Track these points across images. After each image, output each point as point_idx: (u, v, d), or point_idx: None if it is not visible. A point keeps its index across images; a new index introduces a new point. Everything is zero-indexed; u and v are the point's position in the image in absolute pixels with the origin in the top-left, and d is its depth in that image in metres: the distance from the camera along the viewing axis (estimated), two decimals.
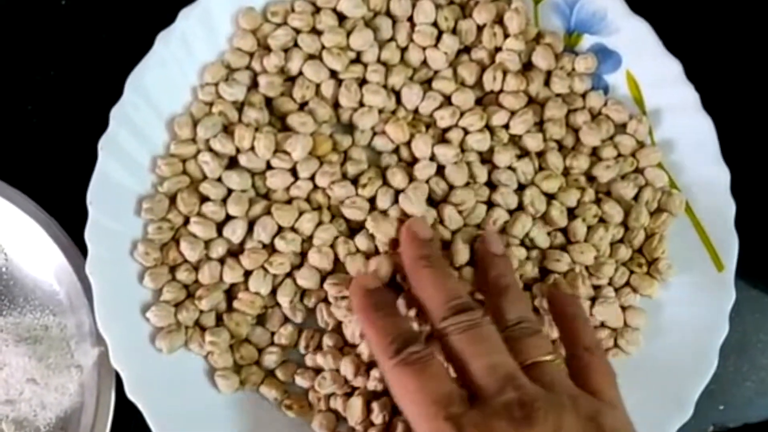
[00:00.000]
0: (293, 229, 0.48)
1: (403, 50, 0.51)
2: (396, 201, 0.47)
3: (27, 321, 0.50)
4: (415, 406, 0.39)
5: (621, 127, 0.51)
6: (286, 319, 0.48)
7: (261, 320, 0.48)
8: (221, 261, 0.47)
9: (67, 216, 0.49)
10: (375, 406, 0.45)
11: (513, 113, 0.49)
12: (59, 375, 0.49)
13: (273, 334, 0.48)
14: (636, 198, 0.50)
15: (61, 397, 0.48)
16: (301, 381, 0.47)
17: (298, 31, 0.50)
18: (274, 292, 0.48)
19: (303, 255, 0.48)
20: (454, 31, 0.51)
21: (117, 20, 0.55)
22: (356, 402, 0.46)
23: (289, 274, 0.48)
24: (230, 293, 0.48)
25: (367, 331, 0.43)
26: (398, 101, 0.50)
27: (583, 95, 0.51)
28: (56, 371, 0.49)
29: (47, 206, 0.49)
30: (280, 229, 0.48)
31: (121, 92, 0.48)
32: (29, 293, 0.50)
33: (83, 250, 0.47)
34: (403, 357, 0.40)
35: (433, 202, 0.49)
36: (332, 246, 0.47)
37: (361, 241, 0.47)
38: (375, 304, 0.43)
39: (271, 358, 0.47)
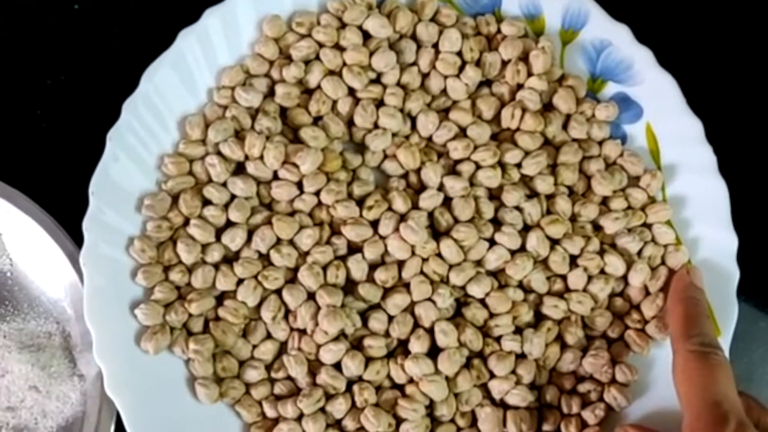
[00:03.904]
0: (291, 243, 0.47)
1: (425, 76, 0.50)
2: (398, 228, 0.47)
3: (30, 328, 0.49)
4: (693, 393, 0.42)
5: (634, 180, 0.50)
6: (268, 335, 0.47)
7: (245, 333, 0.47)
8: (216, 267, 0.47)
9: (74, 223, 0.48)
10: None
11: (527, 153, 0.49)
12: (61, 383, 0.48)
13: (254, 347, 0.47)
14: (639, 253, 0.49)
15: (62, 406, 0.48)
16: (268, 409, 0.46)
17: (321, 45, 0.49)
18: (260, 304, 0.47)
19: (296, 271, 0.47)
20: (477, 63, 0.50)
21: (129, 26, 0.55)
22: None
23: (277, 290, 0.47)
24: (221, 301, 0.47)
25: (676, 314, 0.46)
26: (413, 127, 0.50)
27: (600, 143, 0.51)
28: (58, 380, 0.48)
29: (55, 213, 0.49)
30: (278, 241, 0.47)
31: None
32: (34, 300, 0.50)
33: None
34: (704, 349, 0.43)
35: (435, 232, 0.48)
36: (324, 268, 0.47)
37: (353, 263, 0.47)
38: (695, 298, 0.46)
39: (252, 373, 0.47)
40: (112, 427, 0.46)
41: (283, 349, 0.47)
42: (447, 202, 0.48)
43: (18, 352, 0.48)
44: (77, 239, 0.48)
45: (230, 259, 0.48)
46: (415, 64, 0.50)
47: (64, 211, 0.49)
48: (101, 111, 0.48)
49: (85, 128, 0.53)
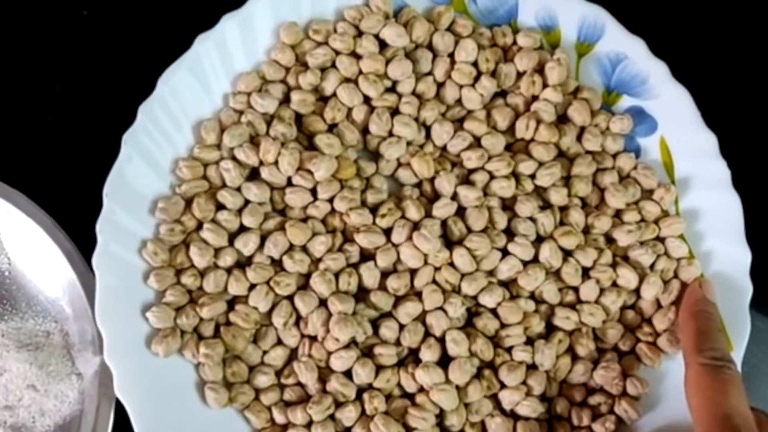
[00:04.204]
0: (304, 249, 0.47)
1: (440, 86, 0.50)
2: (411, 236, 0.47)
3: (29, 327, 0.49)
4: (705, 407, 0.42)
5: (647, 193, 0.50)
6: (279, 341, 0.47)
7: (256, 338, 0.47)
8: (228, 271, 0.47)
9: (72, 222, 0.48)
10: None
11: (541, 164, 0.49)
12: (59, 382, 0.48)
13: (265, 353, 0.47)
14: (652, 266, 0.49)
15: (60, 405, 0.48)
16: (277, 415, 0.46)
17: (337, 53, 0.50)
18: (272, 310, 0.47)
19: (308, 277, 0.47)
20: (493, 74, 0.50)
21: (140, 32, 0.55)
22: None
23: (289, 296, 0.47)
24: (232, 305, 0.47)
25: (688, 328, 0.46)
26: (427, 136, 0.50)
27: (614, 155, 0.51)
28: (56, 378, 0.48)
29: (58, 216, 0.49)
30: (291, 247, 0.47)
31: (134, 111, 0.48)
32: (32, 299, 0.50)
33: (89, 259, 0.46)
34: (715, 363, 0.43)
35: (448, 241, 0.48)
36: (336, 275, 0.47)
37: (365, 271, 0.47)
38: (708, 312, 0.46)
39: (262, 379, 0.47)
40: (110, 426, 0.46)
41: (293, 355, 0.47)
42: (460, 211, 0.48)
43: (16, 351, 0.48)
44: (76, 239, 0.48)
45: (242, 264, 0.48)
46: (430, 73, 0.50)
47: (63, 211, 0.49)
48: (105, 115, 0.49)
49: (88, 132, 0.53)
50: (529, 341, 0.47)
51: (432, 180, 0.49)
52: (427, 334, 0.47)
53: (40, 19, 0.56)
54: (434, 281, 0.47)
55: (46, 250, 0.48)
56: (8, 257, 0.50)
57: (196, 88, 0.49)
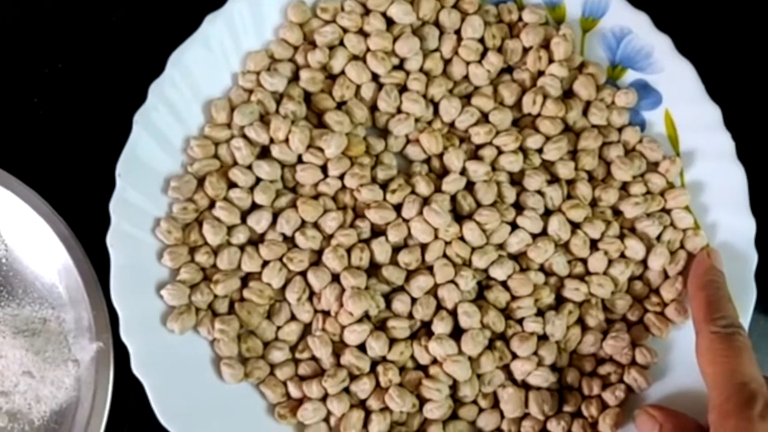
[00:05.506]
0: (316, 226, 0.48)
1: (447, 62, 0.51)
2: (421, 211, 0.47)
3: (25, 313, 0.49)
4: (720, 374, 0.43)
5: (653, 165, 0.51)
6: (293, 316, 0.48)
7: (270, 314, 0.48)
8: (241, 248, 0.47)
9: (70, 210, 0.49)
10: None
11: (548, 138, 0.50)
12: (55, 369, 0.48)
13: (279, 328, 0.48)
14: (659, 238, 0.50)
15: (56, 391, 0.48)
16: (293, 389, 0.47)
17: (345, 30, 0.50)
18: (285, 286, 0.48)
19: (320, 253, 0.48)
20: (499, 50, 0.51)
21: (147, 13, 0.55)
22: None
23: (302, 272, 0.48)
24: (246, 282, 0.48)
25: (698, 298, 0.46)
26: (435, 112, 0.50)
27: (620, 129, 0.51)
28: (53, 365, 0.48)
29: (52, 200, 0.49)
30: (303, 224, 0.48)
31: (130, 94, 0.48)
32: (28, 285, 0.50)
33: (86, 245, 0.47)
34: (727, 330, 0.44)
35: (458, 216, 0.49)
36: (348, 251, 0.47)
37: (377, 246, 0.47)
38: (717, 282, 0.47)
39: (276, 354, 0.47)
40: (106, 413, 0.47)
41: (307, 330, 0.48)
42: (469, 186, 0.49)
43: (12, 337, 0.48)
44: (73, 225, 0.48)
45: (255, 241, 0.48)
46: (437, 50, 0.51)
47: (62, 198, 0.49)
48: (98, 101, 0.49)
49: (82, 116, 0.53)
50: (540, 313, 0.48)
51: (441, 156, 0.49)
52: (439, 307, 0.48)
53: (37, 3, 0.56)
54: (445, 255, 0.48)
55: (42, 237, 0.49)
56: (5, 243, 0.50)
57: (206, 67, 0.49)
